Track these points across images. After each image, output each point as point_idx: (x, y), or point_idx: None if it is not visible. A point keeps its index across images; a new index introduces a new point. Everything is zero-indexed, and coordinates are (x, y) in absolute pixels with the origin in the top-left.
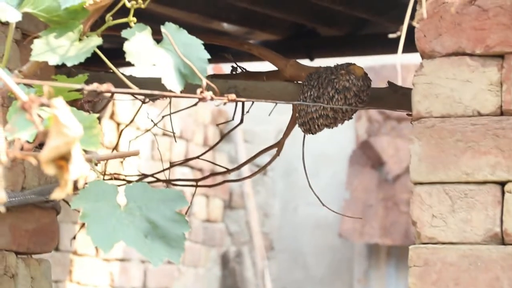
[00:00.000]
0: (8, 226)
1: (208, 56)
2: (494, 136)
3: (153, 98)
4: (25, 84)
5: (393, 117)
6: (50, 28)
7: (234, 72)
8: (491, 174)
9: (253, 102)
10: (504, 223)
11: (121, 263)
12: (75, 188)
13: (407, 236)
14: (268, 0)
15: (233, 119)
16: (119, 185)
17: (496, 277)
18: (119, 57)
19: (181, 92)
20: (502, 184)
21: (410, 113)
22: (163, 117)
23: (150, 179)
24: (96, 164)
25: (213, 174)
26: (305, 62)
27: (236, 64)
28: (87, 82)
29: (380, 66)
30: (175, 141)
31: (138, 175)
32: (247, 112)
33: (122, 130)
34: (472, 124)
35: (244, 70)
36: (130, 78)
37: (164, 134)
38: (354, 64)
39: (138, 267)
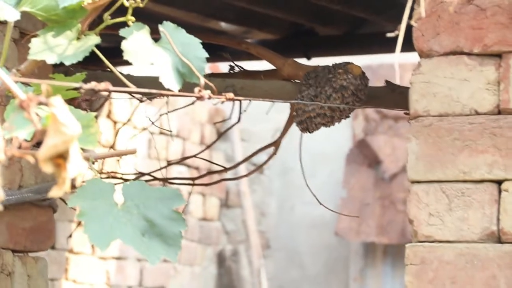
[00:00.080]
0: (5, 224)
1: (206, 55)
2: (492, 135)
3: (151, 97)
4: (23, 83)
5: (390, 116)
6: (48, 27)
7: (231, 71)
8: (488, 173)
9: (250, 101)
10: (500, 221)
11: (117, 262)
12: (73, 186)
13: (403, 235)
14: None
15: (230, 118)
16: (116, 184)
17: (493, 275)
18: (117, 56)
19: (179, 91)
20: (499, 182)
21: (407, 112)
22: (160, 115)
23: (147, 177)
24: (93, 163)
25: (210, 172)
26: (303, 61)
27: (234, 63)
28: (85, 81)
29: (378, 65)
30: (172, 140)
31: (135, 174)
32: (245, 111)
33: (119, 129)
34: (469, 123)
35: (242, 69)
36: (128, 77)
37: (160, 133)
38: (352, 63)
39: (134, 266)
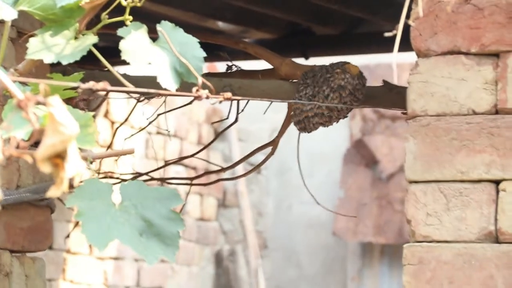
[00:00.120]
0: (3, 224)
1: (204, 55)
2: (489, 135)
3: (149, 96)
4: (21, 82)
5: (387, 116)
6: (45, 27)
7: (229, 71)
8: (486, 173)
9: (248, 101)
10: (498, 221)
11: (115, 262)
12: (71, 186)
13: (400, 235)
14: None
15: (227, 117)
16: (113, 184)
17: (490, 275)
18: (114, 56)
19: (176, 90)
20: (497, 182)
21: (405, 111)
22: (158, 115)
23: (144, 177)
24: (91, 163)
25: (208, 172)
26: (300, 60)
27: (232, 63)
28: (83, 81)
29: (375, 65)
30: (170, 140)
31: (133, 174)
32: (242, 110)
33: (116, 129)
34: (467, 122)
35: (240, 69)
36: (125, 76)
37: (158, 133)
38: (350, 62)
39: (132, 266)
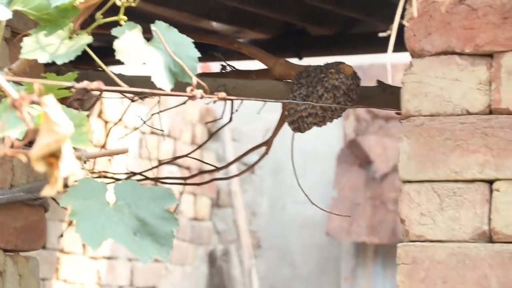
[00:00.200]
0: None
1: (199, 55)
2: (483, 135)
3: (143, 96)
4: (15, 82)
5: (380, 116)
6: (40, 26)
7: (223, 71)
8: (479, 173)
9: (242, 101)
10: (492, 221)
11: (108, 261)
12: (65, 185)
13: (394, 235)
14: None
15: (221, 117)
16: (107, 183)
17: (484, 275)
18: (108, 56)
19: (171, 90)
20: (491, 182)
21: (399, 111)
22: (152, 115)
23: (138, 177)
24: (85, 162)
25: (201, 172)
26: (294, 61)
27: (226, 63)
28: (77, 80)
29: (369, 65)
30: (163, 140)
31: (127, 173)
32: (236, 110)
33: (110, 129)
34: (461, 122)
35: (234, 69)
36: (119, 76)
37: (152, 132)
38: (344, 63)
39: (125, 265)
